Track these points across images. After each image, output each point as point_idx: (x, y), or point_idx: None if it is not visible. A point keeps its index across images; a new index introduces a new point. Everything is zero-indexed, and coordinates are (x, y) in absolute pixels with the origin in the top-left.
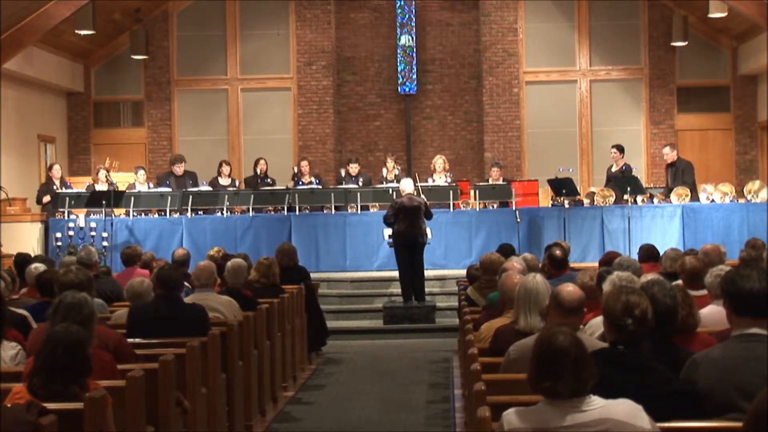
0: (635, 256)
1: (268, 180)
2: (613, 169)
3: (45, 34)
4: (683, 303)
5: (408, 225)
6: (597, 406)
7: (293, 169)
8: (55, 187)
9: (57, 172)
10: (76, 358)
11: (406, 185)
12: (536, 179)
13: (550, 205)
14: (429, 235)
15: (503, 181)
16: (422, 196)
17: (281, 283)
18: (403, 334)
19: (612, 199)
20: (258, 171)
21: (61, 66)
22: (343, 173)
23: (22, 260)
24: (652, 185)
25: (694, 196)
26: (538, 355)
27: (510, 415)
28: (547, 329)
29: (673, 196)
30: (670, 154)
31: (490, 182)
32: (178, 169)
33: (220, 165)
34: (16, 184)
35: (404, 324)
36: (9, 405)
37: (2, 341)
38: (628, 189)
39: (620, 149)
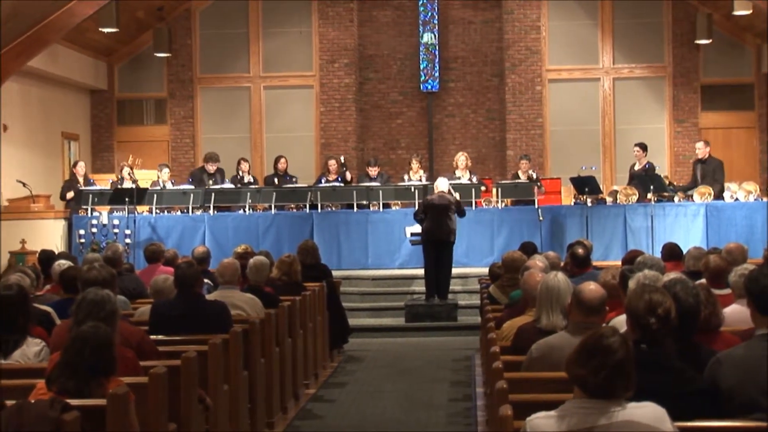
0: (658, 255)
1: (289, 177)
2: (636, 168)
3: (69, 32)
4: (706, 302)
5: (436, 223)
6: (621, 409)
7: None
8: (78, 185)
9: (81, 169)
10: (103, 358)
11: (440, 184)
12: (559, 177)
13: (572, 204)
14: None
15: (532, 173)
16: (456, 194)
17: (303, 281)
18: (425, 332)
19: (635, 198)
20: (278, 168)
21: (84, 64)
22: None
23: (46, 257)
24: (675, 183)
25: (720, 196)
26: (584, 343)
27: (534, 421)
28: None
29: (695, 195)
30: (703, 150)
31: (520, 175)
32: (211, 167)
33: (239, 162)
34: (40, 181)
35: (426, 322)
36: (32, 401)
37: (27, 338)
38: (651, 187)
39: (643, 147)
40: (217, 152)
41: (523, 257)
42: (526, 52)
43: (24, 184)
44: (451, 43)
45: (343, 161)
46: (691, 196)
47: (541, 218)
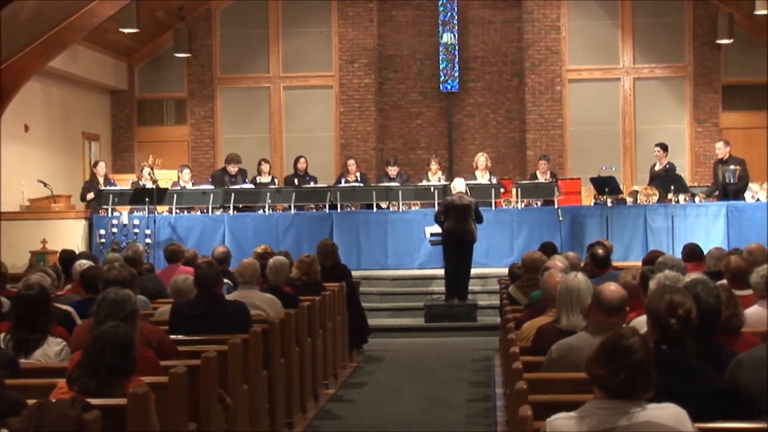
0: (679, 256)
1: (308, 178)
2: (657, 168)
3: (89, 33)
4: (727, 303)
5: (457, 223)
6: (642, 410)
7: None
8: (99, 185)
9: (102, 169)
10: (123, 358)
11: (458, 184)
12: (579, 177)
13: (592, 204)
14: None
15: (550, 174)
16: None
17: (322, 281)
18: (445, 332)
19: (655, 198)
20: (297, 168)
21: (105, 64)
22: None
23: (67, 257)
24: (696, 184)
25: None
26: (605, 343)
27: (554, 422)
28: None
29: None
30: (723, 150)
31: (538, 175)
32: (233, 169)
33: (260, 163)
34: (61, 181)
35: (445, 322)
36: (53, 400)
37: (48, 337)
38: (672, 188)
39: (664, 147)
40: (237, 152)
41: (543, 257)
42: (546, 52)
43: (45, 184)
44: (471, 43)
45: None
46: (715, 196)
47: (561, 218)
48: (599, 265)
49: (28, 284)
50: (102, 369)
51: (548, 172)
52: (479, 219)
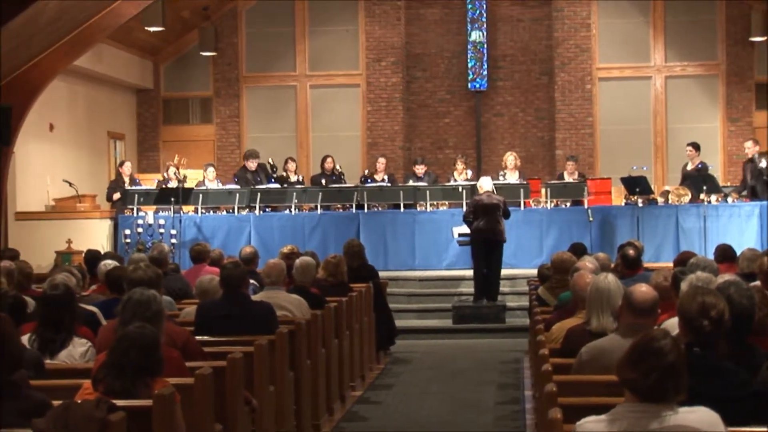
0: (711, 257)
1: (335, 177)
2: (689, 167)
3: (115, 32)
4: (761, 304)
5: (486, 223)
6: (673, 413)
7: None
8: (124, 185)
9: (127, 169)
10: (149, 359)
11: (485, 183)
12: (609, 177)
13: (623, 204)
14: None
15: (578, 175)
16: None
17: (349, 282)
18: (473, 333)
19: (687, 198)
20: (324, 168)
21: (130, 63)
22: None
23: (92, 257)
24: (728, 184)
25: None
26: (635, 345)
27: (585, 425)
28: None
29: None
30: (752, 149)
31: (565, 176)
32: (251, 165)
33: (286, 162)
34: (86, 180)
35: (474, 324)
36: (79, 401)
37: (73, 337)
38: (704, 188)
39: (696, 147)
40: (263, 151)
41: (572, 258)
42: (575, 50)
43: (70, 184)
44: (500, 41)
45: (271, 162)
46: (746, 196)
47: (591, 219)
48: (630, 266)
49: (53, 284)
50: (127, 370)
51: (576, 173)
52: (506, 215)
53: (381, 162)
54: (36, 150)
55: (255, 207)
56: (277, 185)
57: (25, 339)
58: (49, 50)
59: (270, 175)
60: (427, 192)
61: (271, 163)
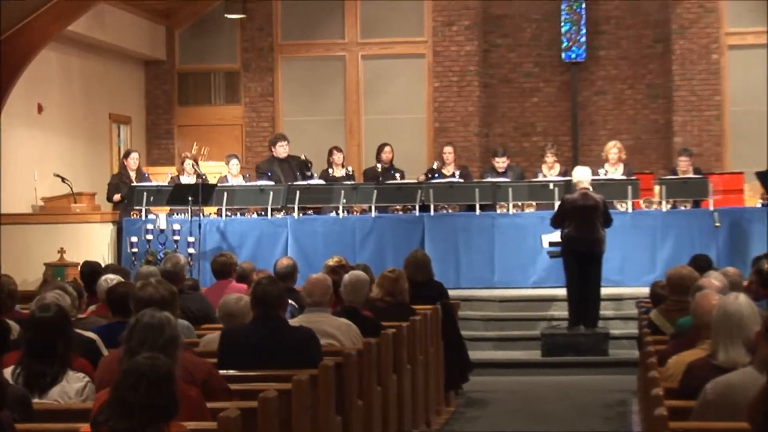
0: None
1: (393, 171)
2: None
3: None
4: None
5: (580, 229)
6: None
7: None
8: (130, 180)
9: (134, 161)
10: (161, 396)
11: (581, 175)
12: (741, 172)
13: (758, 206)
14: None
15: (694, 172)
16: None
17: (411, 303)
18: (567, 368)
19: None
20: (382, 160)
21: (138, 28)
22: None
23: (91, 270)
24: None
25: None
26: None
27: None
28: None
29: None
30: None
31: (677, 173)
32: (281, 151)
33: (331, 152)
34: (83, 175)
35: (568, 356)
36: None
37: (67, 371)
38: None
39: None
40: (303, 139)
41: (694, 274)
42: (698, 10)
43: (63, 179)
44: (602, 1)
45: (305, 158)
46: None
47: (717, 224)
48: (767, 285)
49: (42, 305)
50: (135, 410)
51: (690, 169)
52: (607, 222)
53: (448, 152)
54: (21, 137)
55: (293, 208)
56: (320, 181)
57: (8, 372)
58: (37, 12)
59: (304, 173)
60: (510, 190)
61: (305, 158)
